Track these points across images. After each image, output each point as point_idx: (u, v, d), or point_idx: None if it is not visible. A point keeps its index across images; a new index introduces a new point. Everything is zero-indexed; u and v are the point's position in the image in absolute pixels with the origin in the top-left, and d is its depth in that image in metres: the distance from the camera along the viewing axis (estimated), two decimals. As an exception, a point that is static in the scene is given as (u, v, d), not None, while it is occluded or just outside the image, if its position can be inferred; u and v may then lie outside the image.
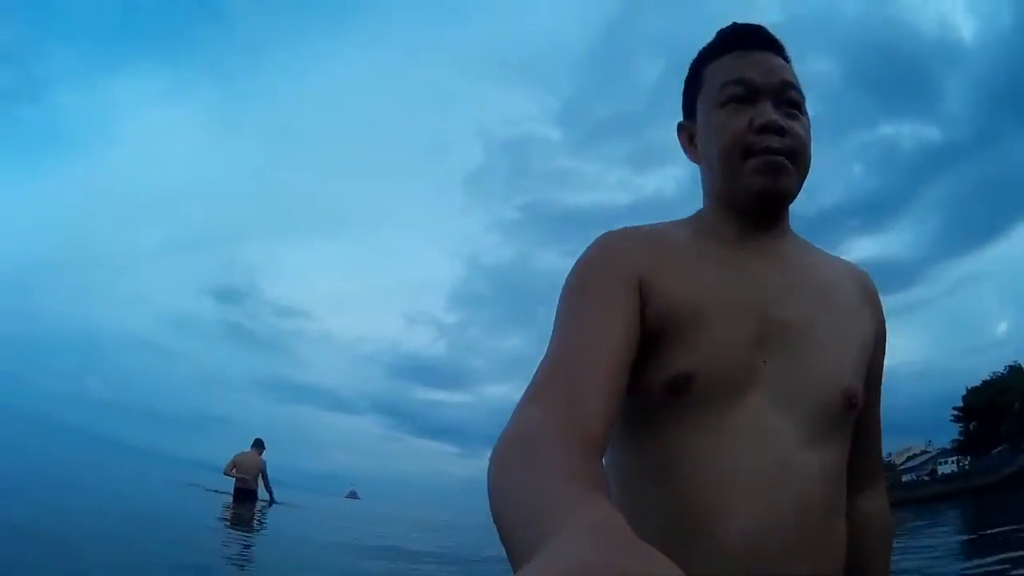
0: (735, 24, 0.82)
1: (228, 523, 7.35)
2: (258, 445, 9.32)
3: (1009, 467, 29.98)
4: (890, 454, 62.45)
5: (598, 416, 0.58)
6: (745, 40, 0.80)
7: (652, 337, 0.71)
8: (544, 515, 0.36)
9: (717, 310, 0.72)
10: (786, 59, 0.81)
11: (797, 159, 0.75)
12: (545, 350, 0.68)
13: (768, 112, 0.75)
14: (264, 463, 9.27)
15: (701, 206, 0.85)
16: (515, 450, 0.50)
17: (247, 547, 5.67)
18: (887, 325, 0.87)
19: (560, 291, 0.74)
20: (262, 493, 9.30)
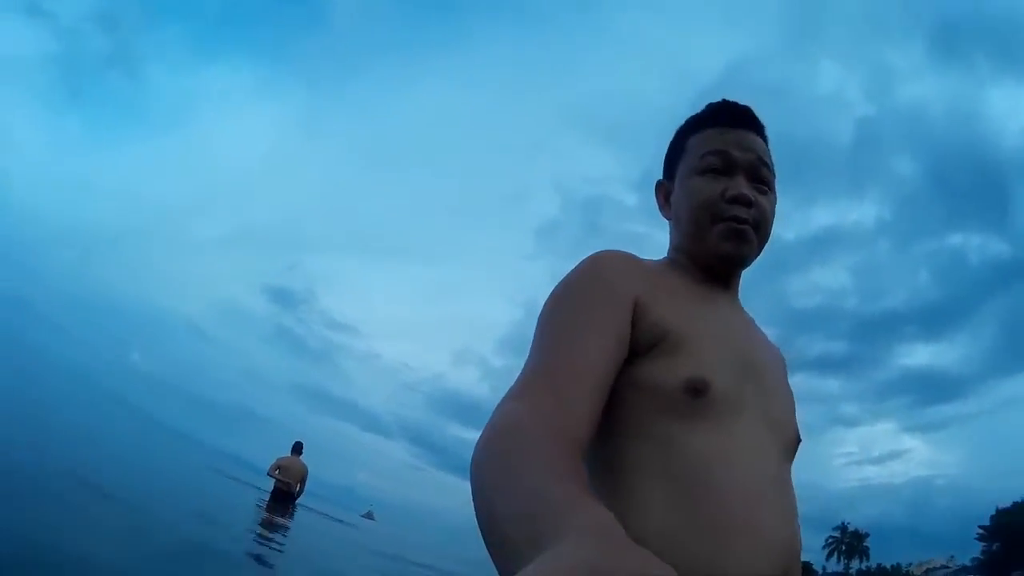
0: (724, 100, 0.88)
1: (267, 519, 7.92)
2: (298, 450, 9.57)
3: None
4: (910, 564, 59.51)
5: (582, 418, 0.59)
6: (731, 116, 0.86)
7: (649, 346, 0.72)
8: (539, 516, 0.37)
9: (707, 336, 0.75)
10: (765, 139, 0.87)
11: (760, 230, 0.83)
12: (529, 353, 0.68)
13: (740, 185, 0.81)
14: (307, 470, 9.58)
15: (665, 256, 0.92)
16: (501, 446, 0.50)
17: (284, 541, 6.19)
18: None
19: (547, 299, 0.75)
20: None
